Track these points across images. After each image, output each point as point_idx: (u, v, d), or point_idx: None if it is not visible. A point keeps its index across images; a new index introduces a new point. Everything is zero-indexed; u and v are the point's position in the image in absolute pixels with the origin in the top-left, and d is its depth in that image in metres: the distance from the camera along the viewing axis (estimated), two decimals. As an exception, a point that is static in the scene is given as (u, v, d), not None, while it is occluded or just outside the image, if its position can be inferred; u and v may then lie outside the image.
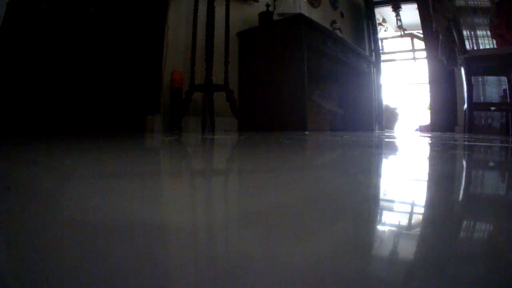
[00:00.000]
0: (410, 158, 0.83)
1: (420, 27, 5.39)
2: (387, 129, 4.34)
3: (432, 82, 4.46)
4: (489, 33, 3.15)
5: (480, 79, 3.24)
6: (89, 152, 0.81)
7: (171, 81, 2.20)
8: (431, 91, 4.57)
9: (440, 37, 2.74)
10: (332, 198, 0.32)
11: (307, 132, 2.24)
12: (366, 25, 4.61)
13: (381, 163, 0.71)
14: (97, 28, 2.02)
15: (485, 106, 2.86)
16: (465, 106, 2.54)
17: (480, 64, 2.51)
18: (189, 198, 0.33)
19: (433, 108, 4.54)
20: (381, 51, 4.80)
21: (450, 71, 4.04)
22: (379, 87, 3.78)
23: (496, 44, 2.92)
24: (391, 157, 0.88)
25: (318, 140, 1.46)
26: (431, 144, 1.35)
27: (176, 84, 2.19)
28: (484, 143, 1.41)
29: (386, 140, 1.61)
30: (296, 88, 2.38)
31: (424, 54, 5.84)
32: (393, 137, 1.94)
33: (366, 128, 3.33)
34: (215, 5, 2.29)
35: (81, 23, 1.94)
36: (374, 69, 3.66)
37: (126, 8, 2.13)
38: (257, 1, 2.85)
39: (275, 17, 2.58)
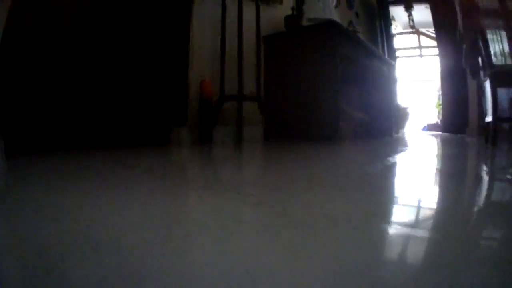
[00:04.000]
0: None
1: (428, 25, 5.36)
2: (400, 129, 4.29)
3: (444, 80, 4.42)
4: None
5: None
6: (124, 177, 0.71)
7: (200, 92, 2.09)
8: (442, 90, 4.54)
9: (464, 47, 2.69)
10: None
11: (339, 141, 2.15)
12: (379, 24, 4.53)
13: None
14: (118, 35, 1.89)
15: (510, 120, 2.83)
16: (490, 118, 2.50)
17: (507, 78, 2.49)
18: None
19: (444, 108, 4.51)
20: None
21: (462, 70, 4.00)
22: (395, 88, 3.71)
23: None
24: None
25: (377, 152, 1.37)
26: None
27: (206, 95, 2.08)
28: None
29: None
30: (327, 96, 2.29)
31: (430, 51, 5.84)
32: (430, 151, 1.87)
33: (386, 133, 3.28)
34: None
35: (101, 30, 1.82)
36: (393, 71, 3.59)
37: (149, 14, 2.01)
38: (281, 3, 2.73)
39: (304, 22, 2.47)
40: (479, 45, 2.56)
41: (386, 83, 3.32)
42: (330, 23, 2.27)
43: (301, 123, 2.42)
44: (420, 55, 6.02)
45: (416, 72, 6.10)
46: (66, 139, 1.66)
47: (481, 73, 2.75)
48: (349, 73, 2.53)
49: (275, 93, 2.54)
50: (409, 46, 6.02)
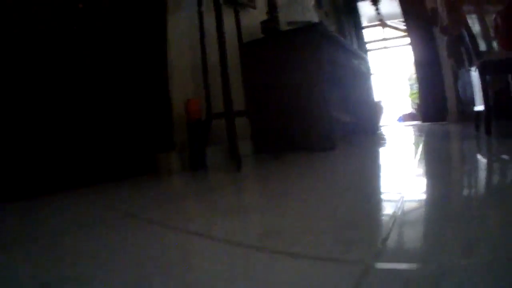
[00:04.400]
0: None
1: (393, 17, 5.43)
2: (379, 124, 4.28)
3: (419, 70, 4.45)
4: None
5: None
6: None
7: (187, 112, 1.91)
8: (418, 79, 4.58)
9: (446, 39, 2.70)
10: None
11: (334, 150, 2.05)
12: (348, 21, 4.51)
13: None
14: (89, 58, 1.71)
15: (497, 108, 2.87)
16: (482, 108, 2.51)
17: (494, 67, 2.52)
18: None
19: (422, 97, 4.54)
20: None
21: (436, 58, 4.06)
22: (371, 84, 3.69)
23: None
24: None
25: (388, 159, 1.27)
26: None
27: (193, 114, 1.90)
28: None
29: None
30: (316, 102, 2.18)
31: (397, 42, 5.94)
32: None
33: (370, 131, 3.23)
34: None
35: (73, 56, 1.63)
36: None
37: (120, 34, 1.83)
38: (255, 8, 2.60)
39: (284, 26, 2.35)
40: (465, 37, 2.55)
41: (365, 81, 3.28)
42: (314, 26, 2.16)
43: (290, 133, 2.30)
44: (386, 47, 6.09)
45: (384, 64, 6.18)
46: (40, 180, 1.45)
47: (466, 63, 2.76)
48: (334, 75, 2.45)
49: (258, 104, 2.41)
50: (375, 39, 6.08)
